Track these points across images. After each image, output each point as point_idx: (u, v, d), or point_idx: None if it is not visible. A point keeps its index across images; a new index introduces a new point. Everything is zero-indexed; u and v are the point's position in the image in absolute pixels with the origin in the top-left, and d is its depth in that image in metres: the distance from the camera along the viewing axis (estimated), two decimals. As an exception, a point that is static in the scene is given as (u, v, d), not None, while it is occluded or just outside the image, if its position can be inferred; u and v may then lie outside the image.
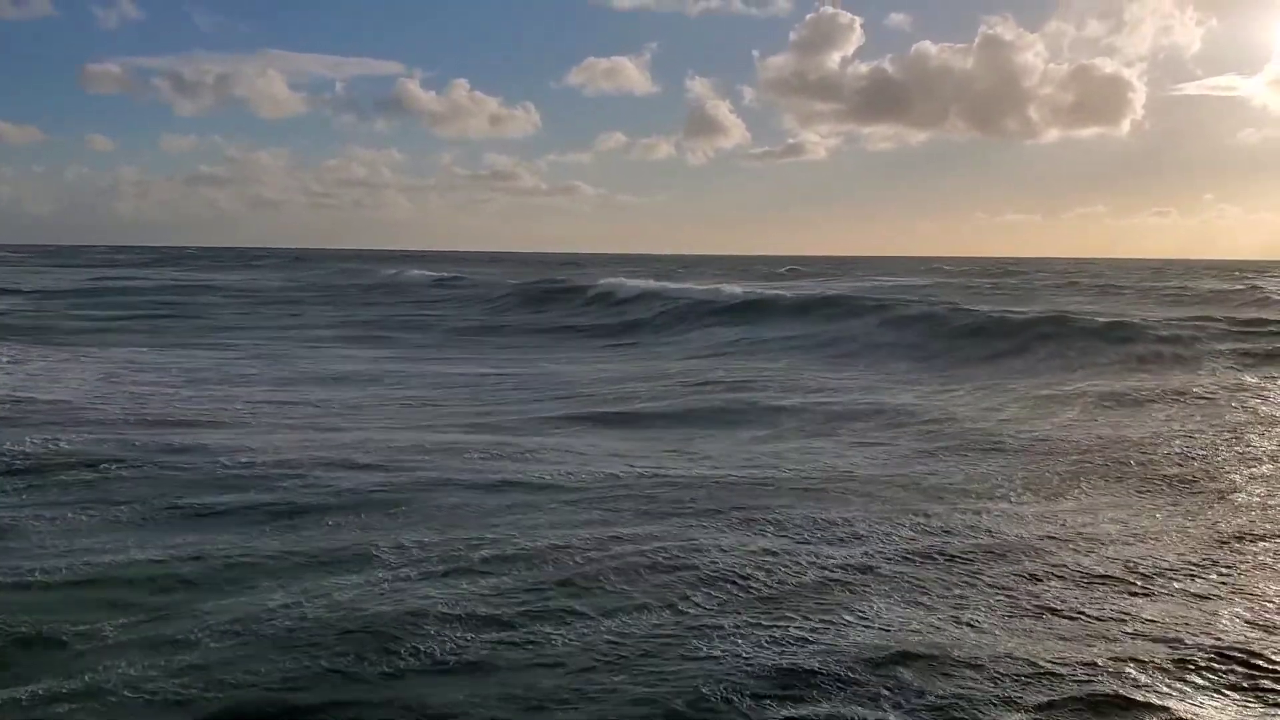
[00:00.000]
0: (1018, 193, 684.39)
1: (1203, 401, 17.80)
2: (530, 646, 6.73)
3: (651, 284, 48.37)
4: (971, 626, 7.19)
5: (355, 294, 59.30)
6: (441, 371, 22.79)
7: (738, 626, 7.07)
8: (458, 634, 6.84)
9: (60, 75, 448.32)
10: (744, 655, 6.60)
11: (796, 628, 7.07)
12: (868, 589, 7.93)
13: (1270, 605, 7.77)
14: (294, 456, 12.16)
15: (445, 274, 76.65)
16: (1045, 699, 6.04)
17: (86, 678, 6.13)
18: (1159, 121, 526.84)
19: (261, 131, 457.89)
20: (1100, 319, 28.32)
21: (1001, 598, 7.83)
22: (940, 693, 6.09)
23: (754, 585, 7.95)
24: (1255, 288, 54.12)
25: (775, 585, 7.95)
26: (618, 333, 35.83)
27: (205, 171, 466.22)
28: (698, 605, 7.49)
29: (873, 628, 7.11)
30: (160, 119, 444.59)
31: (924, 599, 7.75)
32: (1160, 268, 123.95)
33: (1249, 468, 12.81)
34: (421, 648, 6.62)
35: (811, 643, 6.79)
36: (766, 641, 6.83)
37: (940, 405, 17.64)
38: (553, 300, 48.21)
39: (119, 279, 69.78)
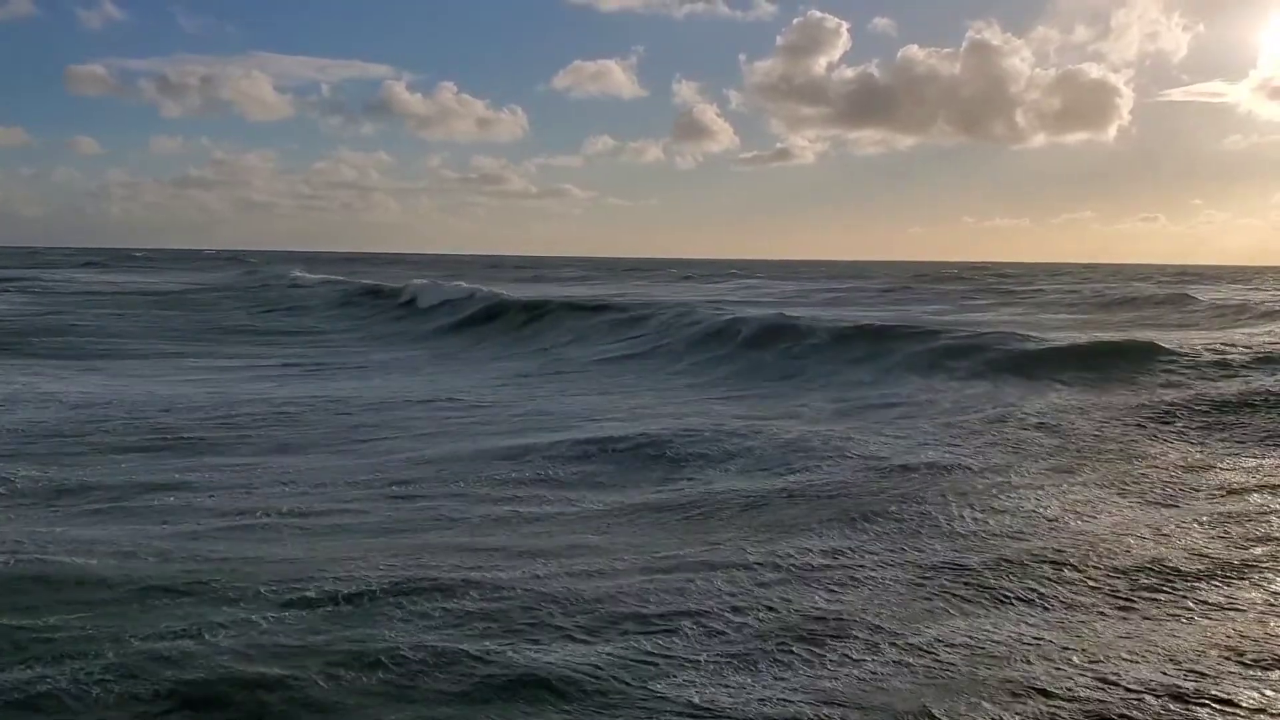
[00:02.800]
0: (1006, 198, 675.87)
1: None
2: None
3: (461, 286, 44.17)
4: None
5: (196, 297, 55.48)
6: None
7: None
8: None
9: (45, 77, 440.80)
10: None
11: None
12: None
13: None
14: None
15: (336, 276, 72.59)
16: None
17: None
18: (1146, 127, 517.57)
19: (249, 134, 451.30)
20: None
21: None
22: None
23: None
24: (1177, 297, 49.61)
25: None
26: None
27: (194, 174, 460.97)
28: None
29: None
30: (147, 121, 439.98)
31: None
32: (1110, 271, 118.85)
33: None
34: None
35: None
36: None
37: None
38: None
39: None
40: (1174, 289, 54.20)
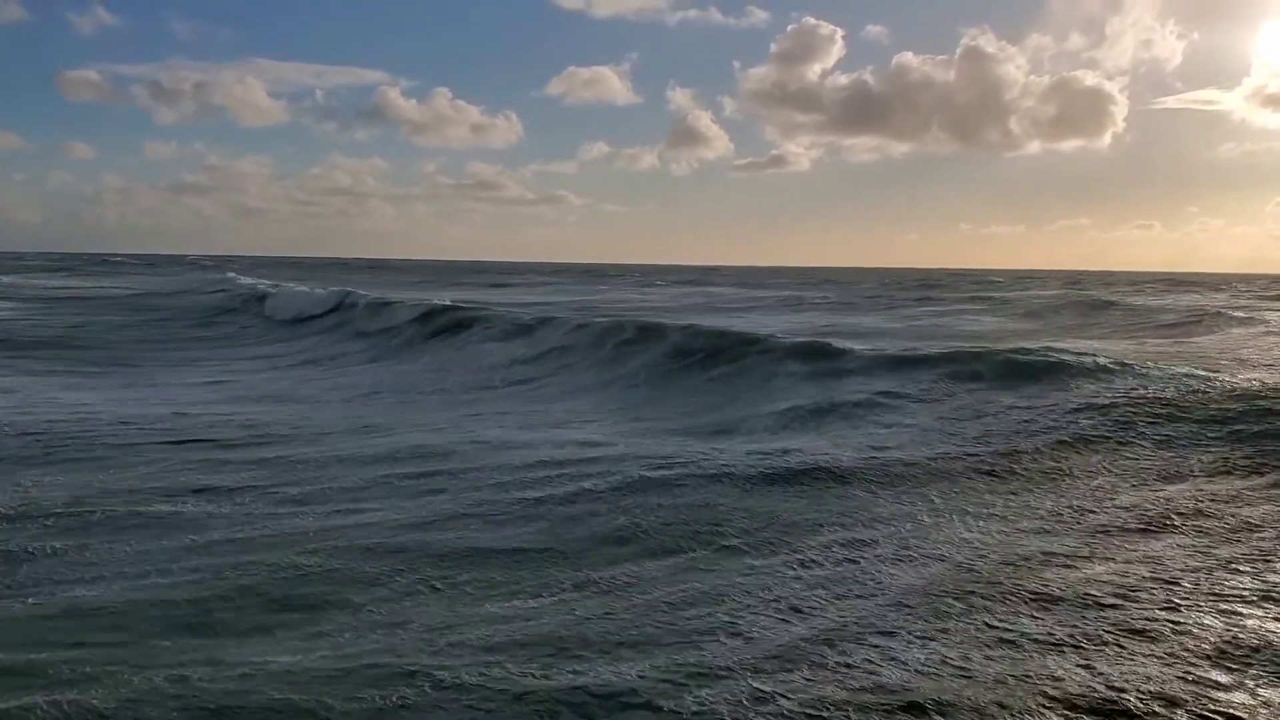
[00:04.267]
0: (1002, 205, 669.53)
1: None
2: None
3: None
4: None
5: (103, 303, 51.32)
6: None
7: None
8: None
9: (38, 81, 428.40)
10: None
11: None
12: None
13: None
14: None
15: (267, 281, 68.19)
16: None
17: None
18: (1140, 135, 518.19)
19: (243, 139, 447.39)
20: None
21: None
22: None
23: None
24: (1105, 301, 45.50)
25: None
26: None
27: (188, 180, 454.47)
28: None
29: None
30: (141, 126, 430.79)
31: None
32: (1081, 278, 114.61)
33: None
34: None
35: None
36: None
37: None
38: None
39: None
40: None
